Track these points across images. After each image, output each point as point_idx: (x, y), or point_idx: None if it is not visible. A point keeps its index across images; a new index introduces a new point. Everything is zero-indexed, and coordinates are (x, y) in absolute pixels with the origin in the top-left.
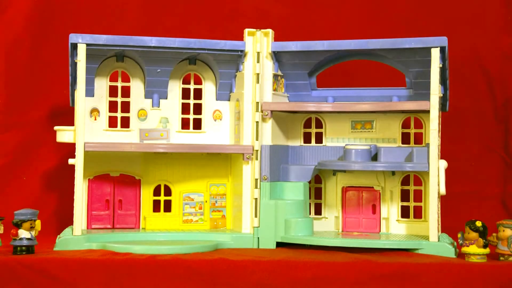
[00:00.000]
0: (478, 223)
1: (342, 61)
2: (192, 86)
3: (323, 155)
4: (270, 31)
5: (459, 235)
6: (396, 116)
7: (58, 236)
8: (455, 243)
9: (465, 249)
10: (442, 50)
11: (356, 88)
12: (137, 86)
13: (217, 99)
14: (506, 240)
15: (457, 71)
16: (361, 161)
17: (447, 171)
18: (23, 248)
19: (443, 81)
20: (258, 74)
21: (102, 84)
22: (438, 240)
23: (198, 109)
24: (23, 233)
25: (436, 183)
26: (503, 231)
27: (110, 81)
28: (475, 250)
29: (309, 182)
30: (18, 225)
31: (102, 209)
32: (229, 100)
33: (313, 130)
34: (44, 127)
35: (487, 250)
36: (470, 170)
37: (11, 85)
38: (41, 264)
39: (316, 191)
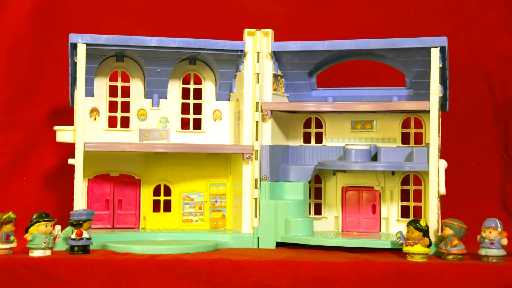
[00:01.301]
0: (422, 222)
1: (342, 61)
2: (192, 86)
3: (323, 155)
4: (270, 31)
5: (398, 235)
6: (396, 116)
7: (58, 236)
8: None
9: (408, 249)
10: (442, 50)
11: (356, 88)
12: (137, 86)
13: (217, 99)
14: (445, 239)
15: (457, 71)
16: (361, 161)
17: (447, 171)
18: (80, 247)
19: (443, 81)
20: (258, 74)
21: (102, 84)
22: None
23: (198, 109)
24: (84, 233)
25: (436, 183)
26: (445, 229)
27: (110, 81)
28: (420, 250)
29: (309, 182)
30: (79, 225)
31: (102, 209)
32: (229, 100)
33: (313, 130)
34: (44, 127)
35: (429, 250)
36: (470, 170)
37: (11, 85)
38: (41, 264)
39: (316, 191)
